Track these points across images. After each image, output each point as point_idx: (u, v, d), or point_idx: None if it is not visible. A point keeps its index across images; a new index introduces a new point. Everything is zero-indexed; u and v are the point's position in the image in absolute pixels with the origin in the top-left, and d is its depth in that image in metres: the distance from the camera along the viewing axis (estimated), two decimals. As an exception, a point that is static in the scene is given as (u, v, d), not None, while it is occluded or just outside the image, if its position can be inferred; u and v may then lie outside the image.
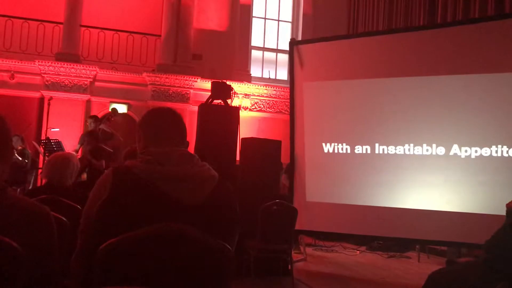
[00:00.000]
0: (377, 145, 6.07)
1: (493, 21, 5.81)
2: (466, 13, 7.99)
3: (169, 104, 10.33)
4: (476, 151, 5.49)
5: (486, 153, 5.43)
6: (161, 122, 1.83)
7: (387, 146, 6.00)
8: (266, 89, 11.43)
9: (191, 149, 5.97)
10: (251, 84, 11.31)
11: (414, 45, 6.00)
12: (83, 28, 10.41)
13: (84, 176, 6.15)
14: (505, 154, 5.33)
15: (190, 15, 10.96)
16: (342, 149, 6.28)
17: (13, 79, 9.81)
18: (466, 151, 5.54)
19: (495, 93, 5.45)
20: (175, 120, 1.84)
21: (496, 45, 5.43)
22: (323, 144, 6.39)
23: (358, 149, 6.17)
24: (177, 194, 1.63)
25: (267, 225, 5.00)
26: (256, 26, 12.21)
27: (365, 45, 6.42)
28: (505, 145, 5.34)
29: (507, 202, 3.62)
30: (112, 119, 7.83)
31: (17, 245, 1.23)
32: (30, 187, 8.07)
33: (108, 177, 1.67)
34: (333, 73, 6.46)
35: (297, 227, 5.35)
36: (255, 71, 11.93)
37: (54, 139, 7.49)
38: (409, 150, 5.87)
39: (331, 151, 6.35)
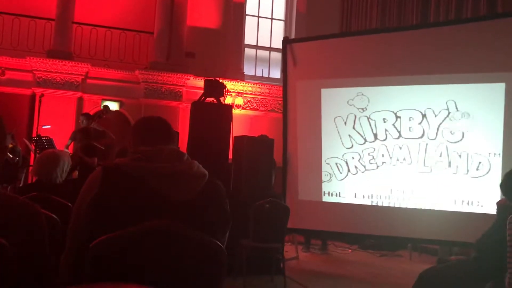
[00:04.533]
0: (369, 144, 6.08)
1: (485, 21, 5.85)
2: (459, 12, 8.02)
3: (161, 102, 10.32)
4: (468, 153, 5.52)
5: (477, 154, 5.46)
6: (151, 125, 1.89)
7: (380, 146, 6.02)
8: (259, 87, 11.41)
9: (183, 147, 5.95)
10: (244, 82, 11.29)
11: (407, 43, 6.01)
12: (75, 25, 10.32)
13: (76, 173, 6.11)
14: (497, 157, 5.36)
15: (183, 12, 10.91)
16: (334, 147, 6.28)
17: (4, 75, 9.72)
18: (458, 152, 5.57)
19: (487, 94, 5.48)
20: (165, 124, 1.90)
21: (488, 44, 5.46)
22: (316, 143, 6.39)
23: (351, 148, 6.18)
24: (166, 190, 1.63)
25: (260, 224, 4.99)
26: (250, 24, 12.18)
27: (358, 43, 6.43)
28: (498, 148, 5.37)
29: (497, 201, 3.65)
30: (104, 117, 7.79)
31: (7, 243, 1.22)
32: (21, 185, 8.00)
33: (98, 175, 1.67)
34: (327, 72, 6.47)
35: (289, 225, 5.35)
36: (248, 69, 11.91)
37: (45, 137, 7.42)
38: (402, 149, 5.89)
39: (323, 149, 6.35)
